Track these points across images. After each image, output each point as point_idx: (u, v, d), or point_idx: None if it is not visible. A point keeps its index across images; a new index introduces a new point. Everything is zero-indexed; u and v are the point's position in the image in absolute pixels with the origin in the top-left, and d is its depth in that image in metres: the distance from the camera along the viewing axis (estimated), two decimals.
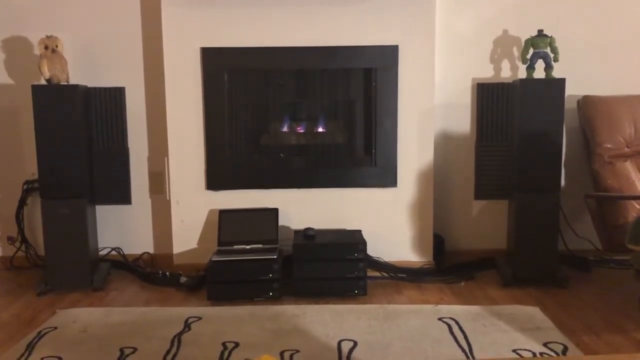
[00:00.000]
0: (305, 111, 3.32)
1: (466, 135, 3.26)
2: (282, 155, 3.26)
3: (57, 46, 2.91)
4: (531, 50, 2.99)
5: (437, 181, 3.16)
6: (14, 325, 2.49)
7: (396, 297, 2.79)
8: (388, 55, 3.03)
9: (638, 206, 2.75)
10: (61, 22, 3.15)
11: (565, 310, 2.57)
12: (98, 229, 3.13)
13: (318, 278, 2.78)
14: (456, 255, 3.25)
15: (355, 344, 2.23)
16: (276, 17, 3.03)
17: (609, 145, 2.92)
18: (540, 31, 2.98)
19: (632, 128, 2.97)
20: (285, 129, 3.28)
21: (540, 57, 2.97)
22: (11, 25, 3.17)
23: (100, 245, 3.19)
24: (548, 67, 2.97)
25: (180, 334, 2.35)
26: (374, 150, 3.11)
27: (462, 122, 3.26)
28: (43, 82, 2.90)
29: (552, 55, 2.97)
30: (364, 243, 2.82)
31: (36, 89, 2.83)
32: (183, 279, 2.95)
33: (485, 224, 3.30)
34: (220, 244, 2.94)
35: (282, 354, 2.15)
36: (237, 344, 2.24)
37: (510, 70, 3.22)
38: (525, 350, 2.16)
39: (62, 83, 2.92)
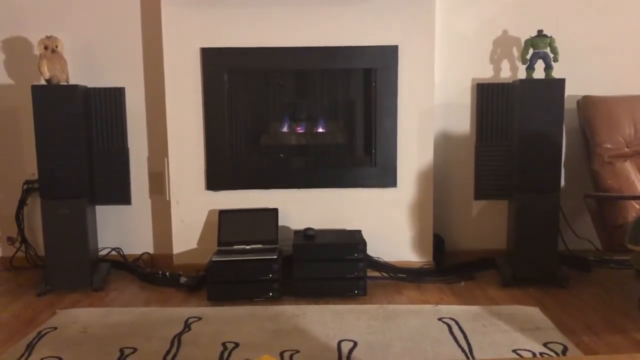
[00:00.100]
0: (305, 111, 3.32)
1: (466, 135, 3.26)
2: (282, 155, 3.26)
3: (56, 46, 2.91)
4: (531, 51, 2.99)
5: (437, 181, 3.16)
6: (13, 326, 2.49)
7: (396, 297, 2.79)
8: (388, 56, 3.03)
9: (638, 206, 2.75)
10: (61, 23, 3.15)
11: (565, 311, 2.57)
12: (98, 229, 3.13)
13: (318, 278, 2.78)
14: (456, 256, 3.25)
15: (355, 344, 2.23)
16: (276, 17, 3.03)
17: (608, 146, 2.92)
18: (540, 31, 2.98)
19: (632, 128, 2.97)
20: (285, 129, 3.29)
21: (540, 58, 2.98)
22: (11, 26, 3.17)
23: (100, 246, 3.19)
24: (548, 68, 2.97)
25: (180, 334, 2.35)
26: (373, 151, 3.11)
27: (462, 122, 3.26)
28: (43, 82, 2.91)
29: (551, 56, 2.97)
30: (364, 243, 2.82)
31: (36, 89, 2.83)
32: (183, 279, 2.95)
33: (485, 224, 3.30)
34: (220, 244, 2.94)
35: (282, 354, 2.15)
36: (237, 344, 2.24)
37: (510, 71, 3.22)
38: (525, 350, 2.16)
39: (62, 83, 2.92)
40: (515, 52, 3.19)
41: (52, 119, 2.83)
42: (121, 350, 2.21)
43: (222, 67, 3.06)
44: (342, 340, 2.26)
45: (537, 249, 2.88)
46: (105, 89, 3.05)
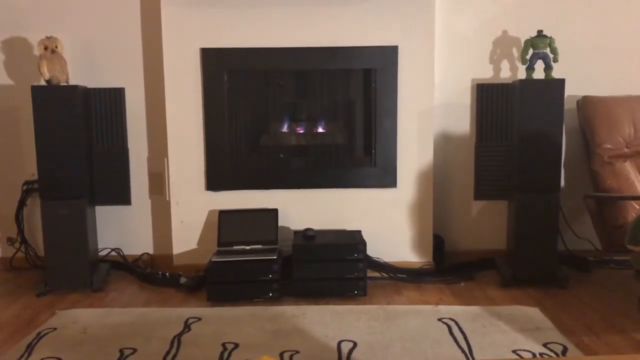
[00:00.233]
0: (305, 112, 3.32)
1: (466, 135, 3.26)
2: (281, 155, 3.26)
3: (56, 47, 2.91)
4: (531, 51, 2.99)
5: (436, 181, 3.16)
6: (13, 326, 2.49)
7: (396, 298, 2.79)
8: (388, 56, 3.03)
9: (637, 206, 2.75)
10: (61, 23, 3.15)
11: (564, 311, 2.57)
12: (98, 229, 3.13)
13: (318, 279, 2.78)
14: (456, 256, 3.25)
15: (355, 344, 2.23)
16: (276, 17, 3.03)
17: (608, 146, 2.92)
18: (539, 32, 2.98)
19: (632, 128, 2.97)
20: (285, 129, 3.29)
21: (539, 58, 2.98)
22: (11, 26, 3.17)
23: (100, 246, 3.19)
24: (547, 68, 2.97)
25: (180, 334, 2.35)
26: (373, 151, 3.11)
27: (462, 122, 3.26)
28: (43, 82, 2.91)
29: (551, 56, 2.97)
30: (364, 243, 2.82)
31: (36, 90, 2.83)
32: (183, 280, 2.95)
33: (485, 225, 3.30)
34: (220, 244, 2.94)
35: (281, 354, 2.15)
36: (236, 345, 2.24)
37: (510, 71, 3.22)
38: (524, 350, 2.16)
39: (62, 84, 2.92)
40: (515, 53, 3.19)
41: (52, 120, 2.83)
42: (121, 351, 2.21)
43: (222, 68, 3.06)
44: (342, 341, 2.26)
45: (537, 249, 2.88)
46: (105, 89, 3.05)
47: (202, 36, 3.03)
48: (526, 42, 3.00)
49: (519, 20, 3.17)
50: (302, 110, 3.31)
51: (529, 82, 2.94)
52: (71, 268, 2.89)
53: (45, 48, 2.89)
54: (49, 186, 2.87)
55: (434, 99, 3.09)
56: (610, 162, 2.90)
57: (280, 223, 3.05)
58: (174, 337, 2.32)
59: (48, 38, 2.92)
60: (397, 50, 3.03)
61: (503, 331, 2.34)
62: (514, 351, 2.16)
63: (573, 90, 3.04)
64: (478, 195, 3.18)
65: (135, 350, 2.21)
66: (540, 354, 2.13)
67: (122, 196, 3.12)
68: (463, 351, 2.17)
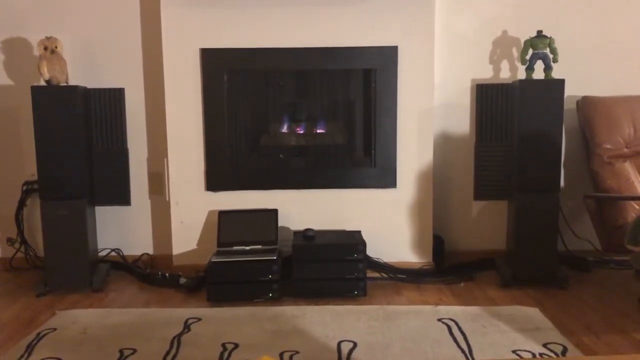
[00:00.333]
0: (305, 112, 3.32)
1: (466, 135, 3.26)
2: (281, 156, 3.26)
3: (56, 47, 2.91)
4: (530, 51, 2.99)
5: (436, 182, 3.16)
6: (13, 327, 2.49)
7: (396, 298, 2.79)
8: (387, 56, 3.03)
9: (637, 207, 2.75)
10: (61, 23, 3.15)
11: (564, 311, 2.57)
12: (97, 230, 3.13)
13: (318, 279, 2.78)
14: (456, 256, 3.25)
15: (355, 344, 2.23)
16: (276, 17, 3.03)
17: (608, 146, 2.93)
18: (539, 32, 2.98)
19: (631, 128, 2.97)
20: (284, 129, 3.29)
21: (539, 58, 2.98)
22: (11, 27, 3.17)
23: (99, 246, 3.18)
24: (547, 68, 2.97)
25: (179, 335, 2.35)
26: (373, 151, 3.11)
27: (462, 122, 3.26)
28: (42, 83, 2.91)
29: (551, 56, 2.97)
30: (364, 244, 2.82)
31: (36, 90, 2.83)
32: (182, 280, 2.95)
33: (485, 225, 3.30)
34: (219, 244, 2.94)
35: (281, 354, 2.15)
36: (236, 345, 2.24)
37: (510, 71, 3.22)
38: (524, 351, 2.16)
39: (62, 84, 2.92)
40: (515, 53, 3.19)
41: (52, 120, 2.83)
42: (121, 351, 2.21)
43: (221, 68, 3.06)
44: (342, 341, 2.26)
45: (537, 250, 2.88)
46: (105, 89, 3.05)
47: (202, 36, 3.03)
48: (526, 42, 3.01)
49: (519, 21, 3.18)
50: (302, 111, 3.31)
51: (528, 82, 2.94)
52: (71, 268, 2.89)
53: (45, 48, 2.89)
54: (49, 186, 2.87)
55: (433, 99, 3.10)
56: (610, 163, 2.90)
57: (280, 223, 3.05)
58: (174, 338, 2.32)
59: (48, 38, 2.92)
60: (397, 51, 3.03)
61: (503, 331, 2.34)
62: (513, 351, 2.16)
63: (573, 91, 3.04)
64: (478, 196, 3.18)
65: (135, 350, 2.21)
66: (540, 354, 2.13)
67: (121, 196, 3.12)
68: (463, 351, 2.17)
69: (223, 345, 2.25)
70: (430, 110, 3.09)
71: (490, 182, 3.13)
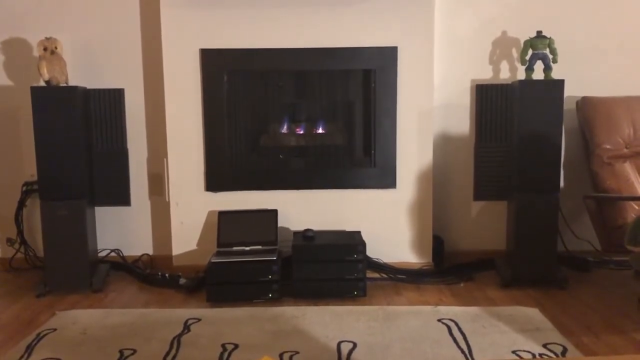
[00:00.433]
0: (305, 112, 3.32)
1: (465, 136, 3.27)
2: (281, 156, 3.26)
3: (56, 48, 2.91)
4: (530, 52, 2.99)
5: (436, 182, 3.16)
6: (13, 327, 2.49)
7: (395, 299, 2.79)
8: (387, 57, 3.04)
9: (637, 207, 2.75)
10: (60, 24, 3.15)
11: (564, 311, 2.57)
12: (97, 230, 3.13)
13: (317, 279, 2.78)
14: (455, 256, 3.25)
15: (355, 345, 2.23)
16: (275, 18, 3.03)
17: (608, 146, 2.93)
18: (539, 32, 2.98)
19: (631, 129, 2.97)
20: (284, 130, 3.29)
21: (539, 59, 2.98)
22: (10, 27, 3.17)
23: (99, 247, 3.18)
24: (547, 69, 2.97)
25: (179, 335, 2.35)
26: (373, 152, 3.11)
27: (462, 123, 3.26)
28: (42, 83, 2.91)
29: (551, 57, 2.97)
30: (364, 244, 2.82)
31: (35, 91, 2.83)
32: (182, 281, 2.95)
33: (485, 225, 3.30)
34: (219, 245, 2.94)
35: (281, 355, 2.15)
36: (236, 346, 2.24)
37: (509, 72, 3.22)
38: (524, 351, 2.16)
39: (62, 84, 2.92)
40: (515, 53, 3.19)
41: (52, 120, 2.83)
42: (121, 352, 2.20)
43: (221, 68, 3.06)
44: (342, 342, 2.26)
45: (537, 250, 2.88)
46: (104, 90, 3.05)
47: (202, 37, 3.03)
48: (525, 42, 3.01)
49: (519, 21, 3.18)
50: (301, 111, 3.32)
51: (528, 82, 2.94)
52: (71, 269, 2.89)
53: (45, 49, 2.89)
54: (49, 187, 2.87)
55: (433, 100, 3.10)
56: (609, 163, 2.91)
57: (280, 224, 3.05)
58: (174, 338, 2.32)
59: (47, 39, 2.92)
60: (396, 51, 3.03)
61: (503, 332, 2.34)
62: (513, 352, 2.16)
63: (572, 91, 3.04)
64: (478, 196, 3.18)
65: (135, 351, 2.21)
66: (540, 355, 2.13)
67: (121, 197, 3.12)
68: (463, 352, 2.17)
69: (223, 345, 2.25)
70: (430, 110, 3.09)
71: (490, 183, 3.13)
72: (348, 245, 2.83)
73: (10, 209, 3.21)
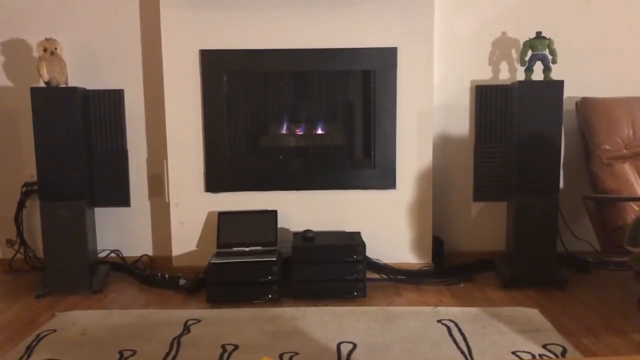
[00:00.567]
0: (304, 113, 3.32)
1: (465, 137, 3.27)
2: (281, 157, 3.26)
3: (56, 48, 2.91)
4: (530, 52, 2.99)
5: (436, 183, 3.17)
6: (13, 328, 2.49)
7: (395, 299, 2.79)
8: (387, 57, 3.04)
9: (636, 208, 2.75)
10: (60, 25, 3.15)
11: (564, 312, 2.57)
12: (97, 231, 3.13)
13: (317, 280, 2.78)
14: (455, 257, 3.25)
15: (355, 346, 2.23)
16: (275, 19, 3.03)
17: (607, 147, 2.93)
18: (538, 33, 2.98)
19: (631, 130, 2.97)
20: (284, 131, 3.29)
21: (538, 59, 2.98)
22: (10, 28, 3.17)
23: (99, 248, 3.18)
24: (546, 69, 2.97)
25: (179, 336, 2.35)
26: (373, 152, 3.11)
27: (461, 124, 3.26)
28: (42, 84, 2.91)
29: (550, 57, 2.97)
30: (363, 245, 2.82)
31: (35, 92, 2.83)
32: (182, 281, 2.95)
33: (484, 226, 3.30)
34: (219, 246, 2.94)
35: (281, 356, 2.15)
36: (236, 346, 2.24)
37: (509, 72, 3.23)
38: (524, 352, 2.16)
39: (61, 85, 2.92)
40: (514, 54, 3.20)
41: (51, 121, 2.83)
42: (120, 353, 2.20)
43: (221, 69, 3.06)
44: (342, 342, 2.26)
45: (536, 251, 2.88)
46: (104, 91, 3.05)
47: (202, 38, 3.03)
48: (525, 43, 3.01)
49: (518, 22, 3.18)
50: (301, 112, 3.32)
51: (528, 83, 2.94)
52: (70, 270, 2.89)
53: (45, 50, 2.89)
54: (49, 188, 2.87)
55: (433, 101, 3.10)
56: (609, 164, 2.91)
57: (280, 224, 3.05)
58: (174, 339, 2.32)
59: (47, 40, 2.92)
60: (396, 52, 3.04)
61: (502, 332, 2.34)
62: (513, 352, 2.16)
63: (572, 92, 3.04)
64: (477, 197, 3.19)
65: (134, 351, 2.21)
66: (540, 356, 2.13)
67: (121, 198, 3.13)
68: (462, 352, 2.17)
69: (223, 346, 2.25)
70: (429, 111, 3.09)
71: (490, 183, 3.14)
72: (348, 246, 2.83)
73: (10, 209, 3.21)
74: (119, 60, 3.19)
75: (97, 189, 3.06)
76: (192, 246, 3.13)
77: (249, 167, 3.21)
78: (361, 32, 3.04)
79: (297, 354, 2.17)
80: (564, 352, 2.15)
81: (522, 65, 3.04)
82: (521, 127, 2.87)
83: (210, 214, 3.11)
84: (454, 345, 2.23)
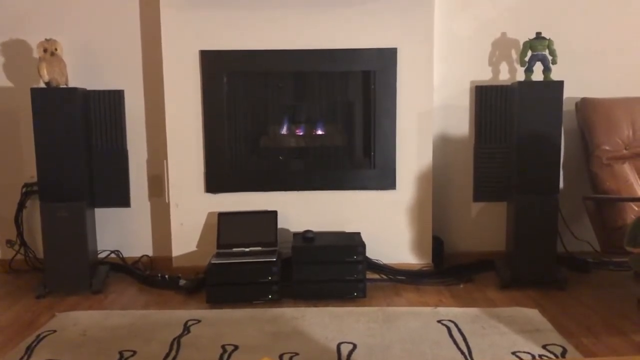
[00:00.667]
0: (304, 113, 3.32)
1: (465, 137, 3.27)
2: (281, 157, 3.26)
3: (56, 49, 2.92)
4: (529, 53, 3.00)
5: (436, 183, 3.17)
6: (13, 329, 2.49)
7: (395, 300, 2.79)
8: (387, 58, 3.04)
9: (636, 208, 2.75)
10: (60, 25, 3.15)
11: (564, 312, 2.57)
12: (97, 231, 3.13)
13: (317, 280, 2.78)
14: (455, 258, 3.25)
15: (355, 346, 2.23)
16: (275, 19, 3.03)
17: (607, 147, 2.93)
18: (538, 34, 2.98)
19: (630, 130, 2.97)
20: (284, 131, 3.29)
21: (538, 60, 2.98)
22: (10, 29, 3.17)
23: (99, 248, 3.18)
24: (546, 70, 2.97)
25: (179, 336, 2.35)
26: (372, 153, 3.11)
27: (461, 124, 3.26)
28: (42, 85, 2.91)
29: (550, 58, 2.97)
30: (363, 245, 2.82)
31: (35, 92, 2.83)
32: (182, 282, 2.95)
33: (484, 226, 3.30)
34: (219, 246, 2.94)
35: (281, 356, 2.15)
36: (236, 347, 2.24)
37: (509, 73, 3.23)
38: (524, 352, 2.16)
39: (61, 86, 2.92)
40: (514, 55, 3.20)
41: (52, 122, 2.83)
42: (120, 353, 2.21)
43: (221, 70, 3.06)
44: (342, 343, 2.26)
45: (536, 251, 2.88)
46: (104, 91, 3.06)
47: (202, 38, 3.03)
48: (525, 44, 3.01)
49: (518, 22, 3.18)
50: (301, 112, 3.32)
51: (527, 84, 2.94)
52: (71, 270, 2.89)
53: (45, 50, 2.89)
54: (49, 188, 2.87)
55: (433, 101, 3.10)
56: (609, 164, 2.91)
57: (280, 225, 3.06)
58: (174, 339, 2.32)
59: (47, 40, 2.92)
60: (396, 52, 3.04)
61: (502, 333, 2.34)
62: (513, 353, 2.16)
63: (572, 92, 3.04)
64: (477, 197, 3.19)
65: (134, 352, 2.21)
66: (540, 356, 2.13)
67: (121, 198, 3.13)
68: (462, 353, 2.17)
69: (223, 347, 2.25)
70: (429, 111, 3.09)
71: (490, 184, 3.14)
72: (348, 246, 2.83)
73: (10, 210, 3.21)
74: (119, 61, 3.19)
75: (97, 190, 3.07)
76: (192, 247, 3.14)
77: (249, 167, 3.21)
78: (361, 33, 3.04)
79: (297, 354, 2.17)
80: (563, 353, 2.15)
81: (522, 65, 3.04)
82: (521, 128, 2.87)
83: (210, 214, 3.11)
84: (454, 346, 2.23)
